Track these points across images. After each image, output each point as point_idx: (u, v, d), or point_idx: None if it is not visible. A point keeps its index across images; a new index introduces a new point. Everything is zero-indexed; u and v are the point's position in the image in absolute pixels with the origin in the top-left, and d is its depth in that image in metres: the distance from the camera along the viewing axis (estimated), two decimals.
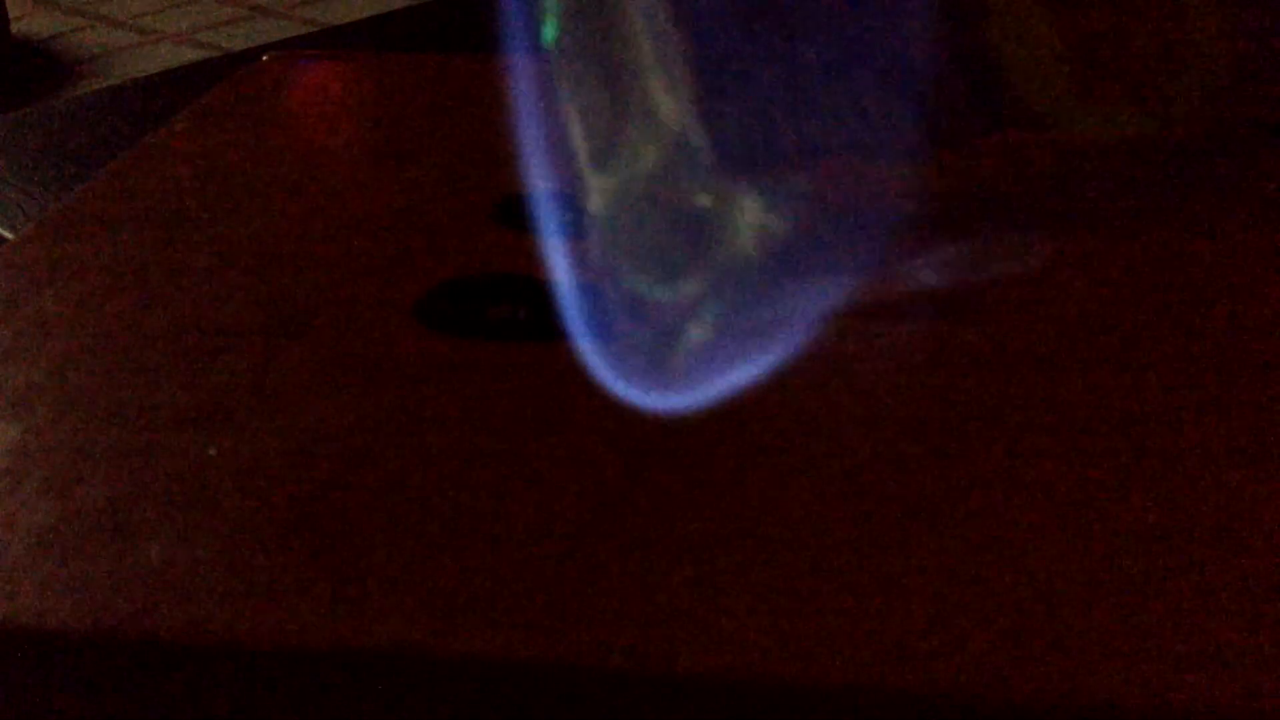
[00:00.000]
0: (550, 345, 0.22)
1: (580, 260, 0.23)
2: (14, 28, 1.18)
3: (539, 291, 0.24)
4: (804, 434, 0.19)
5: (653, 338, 0.21)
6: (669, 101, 0.22)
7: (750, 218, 0.23)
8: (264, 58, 0.36)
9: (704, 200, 0.23)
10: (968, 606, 0.16)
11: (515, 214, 0.27)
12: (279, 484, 0.19)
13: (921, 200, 0.24)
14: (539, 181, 0.24)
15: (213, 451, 0.19)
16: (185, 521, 0.18)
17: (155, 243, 0.26)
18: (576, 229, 0.24)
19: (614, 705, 0.15)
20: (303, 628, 0.16)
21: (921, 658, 0.15)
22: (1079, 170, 0.28)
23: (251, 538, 0.18)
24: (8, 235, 0.37)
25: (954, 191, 0.25)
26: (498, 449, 0.19)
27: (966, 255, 0.23)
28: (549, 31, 0.22)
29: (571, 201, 0.24)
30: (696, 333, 0.21)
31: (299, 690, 0.16)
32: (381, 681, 0.16)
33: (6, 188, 0.40)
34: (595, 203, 0.23)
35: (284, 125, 0.33)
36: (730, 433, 0.19)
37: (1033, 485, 0.18)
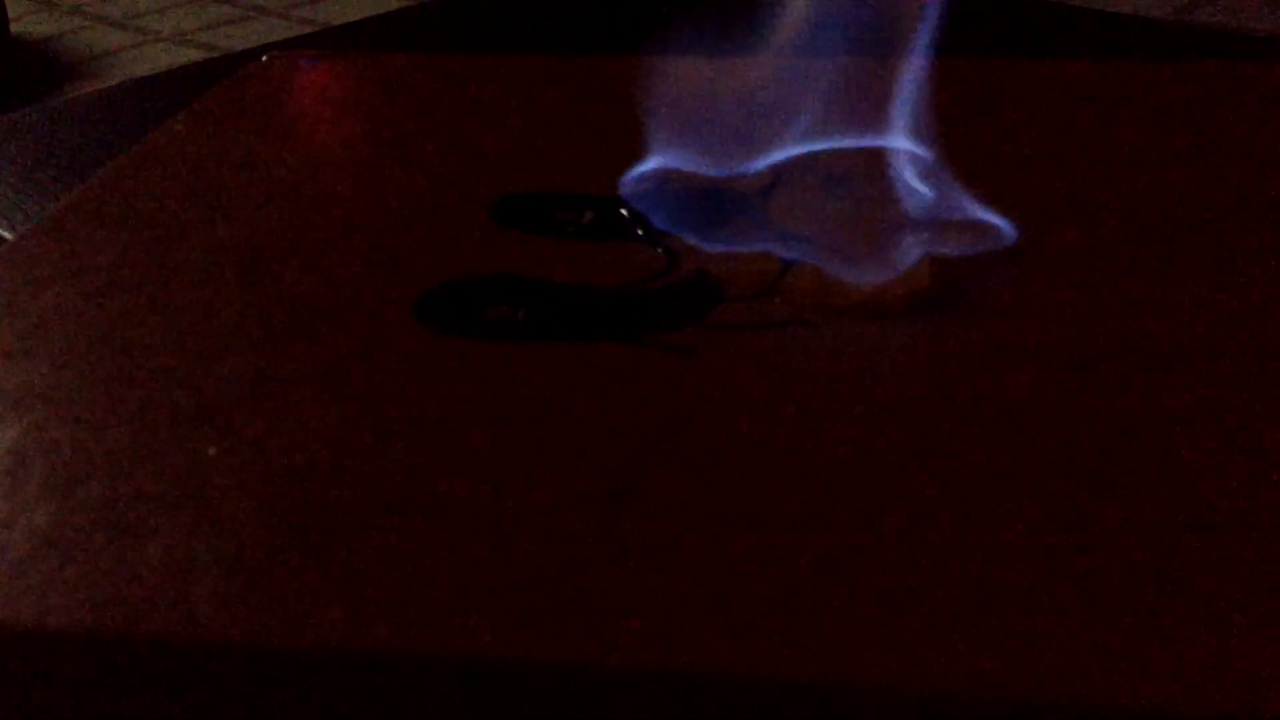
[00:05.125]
0: (550, 345, 0.22)
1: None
2: (13, 28, 1.18)
3: (539, 291, 0.24)
4: (803, 433, 0.19)
5: None
6: None
7: None
8: (264, 58, 0.36)
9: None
10: (968, 606, 0.16)
11: (515, 214, 0.27)
12: (279, 484, 0.19)
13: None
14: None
15: (213, 451, 0.19)
16: (185, 521, 0.18)
17: (155, 243, 0.26)
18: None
19: (614, 705, 0.15)
20: (303, 628, 0.16)
21: (921, 657, 0.15)
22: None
23: (251, 538, 0.18)
24: (7, 235, 0.37)
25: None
26: (497, 449, 0.19)
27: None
28: None
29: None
30: None
31: (299, 690, 0.16)
32: (381, 681, 0.16)
33: (6, 188, 0.40)
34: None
35: (284, 125, 0.33)
36: (730, 433, 0.19)
37: (1031, 484, 0.18)
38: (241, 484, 0.19)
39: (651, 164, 0.26)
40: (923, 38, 0.24)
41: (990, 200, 0.25)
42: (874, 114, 0.25)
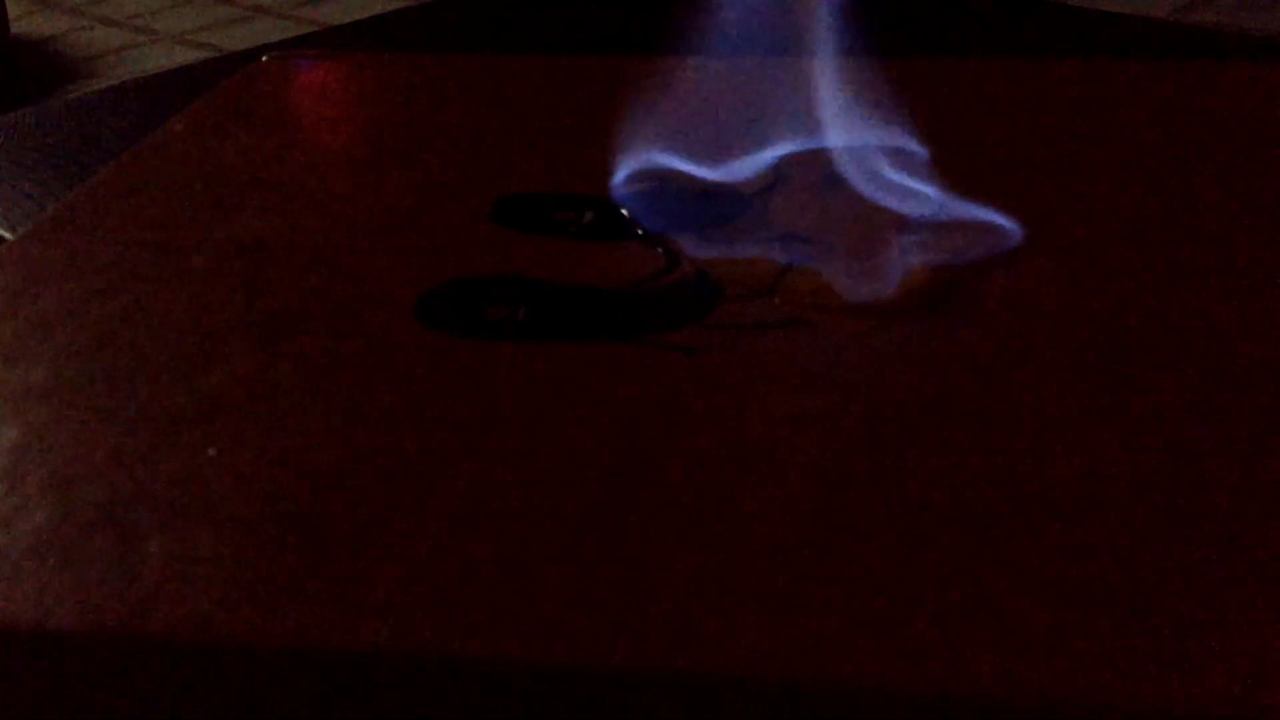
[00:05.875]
0: (550, 345, 0.22)
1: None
2: (13, 28, 1.18)
3: (539, 291, 0.24)
4: (803, 434, 0.19)
5: None
6: None
7: None
8: (264, 58, 0.36)
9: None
10: (967, 606, 0.16)
11: (515, 214, 0.27)
12: (279, 484, 0.19)
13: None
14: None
15: (213, 451, 0.19)
16: (185, 521, 0.18)
17: (155, 243, 0.26)
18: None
19: (614, 705, 0.15)
20: (303, 628, 0.16)
21: (921, 657, 0.15)
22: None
23: (251, 538, 0.18)
24: (7, 235, 0.37)
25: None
26: (497, 449, 0.19)
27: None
28: None
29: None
30: None
31: (299, 690, 0.16)
32: (381, 681, 0.16)
33: (6, 188, 0.40)
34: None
35: (284, 125, 0.33)
36: (729, 433, 0.19)
37: (1032, 484, 0.18)
38: (241, 484, 0.19)
39: (651, 164, 0.26)
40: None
41: (990, 201, 0.25)
42: (872, 113, 0.25)
